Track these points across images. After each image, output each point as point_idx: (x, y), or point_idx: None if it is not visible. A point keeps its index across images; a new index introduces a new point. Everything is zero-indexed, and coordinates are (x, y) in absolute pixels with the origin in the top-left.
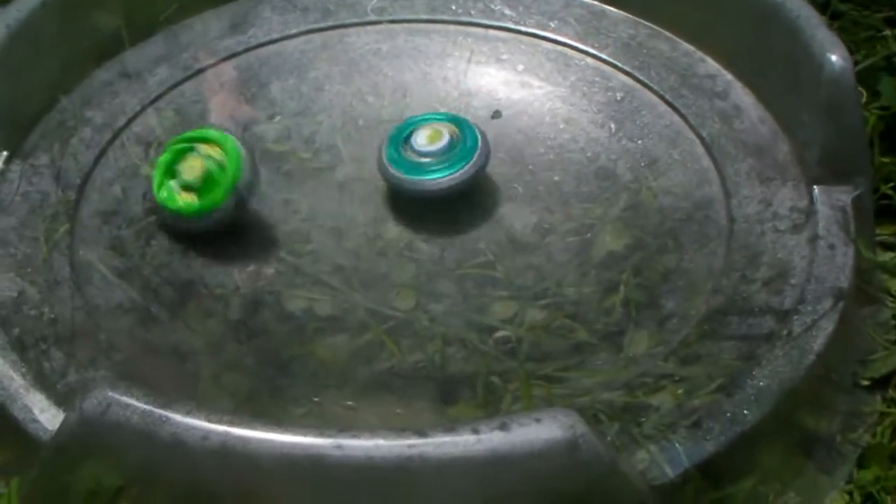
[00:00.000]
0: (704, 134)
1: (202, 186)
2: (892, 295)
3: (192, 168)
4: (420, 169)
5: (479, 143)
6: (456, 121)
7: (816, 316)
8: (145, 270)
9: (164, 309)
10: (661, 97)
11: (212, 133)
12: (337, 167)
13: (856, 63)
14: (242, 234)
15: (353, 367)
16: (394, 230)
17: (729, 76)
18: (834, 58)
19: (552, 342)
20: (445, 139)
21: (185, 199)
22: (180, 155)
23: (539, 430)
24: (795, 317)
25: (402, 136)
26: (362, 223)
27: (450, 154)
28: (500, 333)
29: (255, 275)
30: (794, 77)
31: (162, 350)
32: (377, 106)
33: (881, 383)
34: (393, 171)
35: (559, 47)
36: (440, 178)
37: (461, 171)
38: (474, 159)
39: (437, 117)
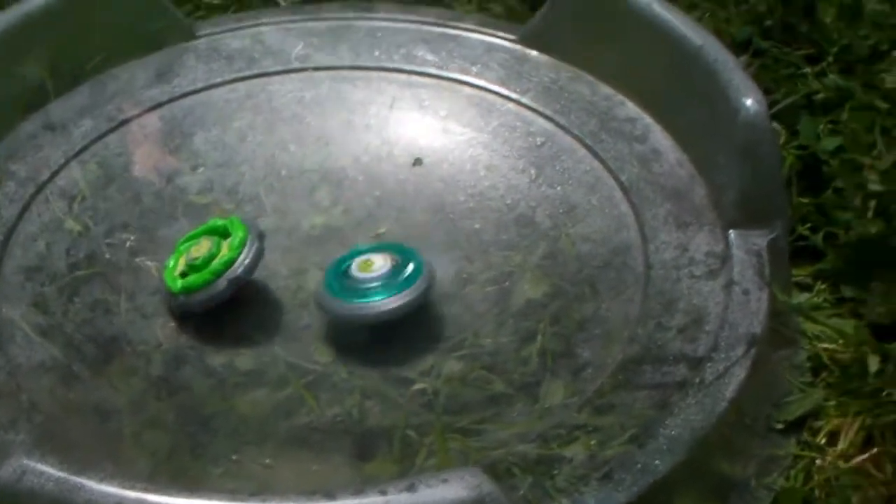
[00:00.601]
0: (623, 179)
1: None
2: (808, 336)
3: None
4: (359, 294)
5: (424, 270)
6: (397, 249)
7: (729, 363)
8: (68, 328)
9: (87, 367)
10: (581, 142)
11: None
12: (259, 218)
13: (775, 101)
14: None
15: (273, 423)
16: (314, 281)
17: (648, 119)
18: (749, 102)
19: (469, 394)
20: (387, 265)
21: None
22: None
23: (446, 491)
24: (709, 364)
25: (341, 269)
26: (284, 275)
27: (391, 280)
28: (417, 386)
29: (177, 330)
30: (711, 121)
31: (84, 409)
32: (299, 155)
33: (795, 426)
34: (330, 299)
35: (481, 92)
36: (380, 302)
37: (403, 295)
38: (417, 283)
39: (378, 248)
